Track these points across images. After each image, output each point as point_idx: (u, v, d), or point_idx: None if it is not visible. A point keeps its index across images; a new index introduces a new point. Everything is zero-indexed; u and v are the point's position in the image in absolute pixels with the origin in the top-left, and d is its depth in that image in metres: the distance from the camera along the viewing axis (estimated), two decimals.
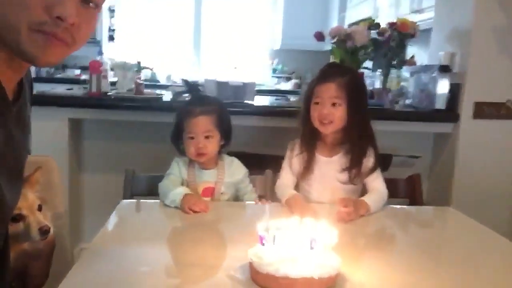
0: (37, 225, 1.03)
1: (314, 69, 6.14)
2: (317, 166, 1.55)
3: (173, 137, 1.56)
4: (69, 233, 1.40)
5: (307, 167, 1.54)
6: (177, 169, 1.52)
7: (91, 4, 0.77)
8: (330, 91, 1.48)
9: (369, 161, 1.53)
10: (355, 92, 1.51)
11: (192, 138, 1.47)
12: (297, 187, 1.58)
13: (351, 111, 1.49)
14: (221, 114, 1.53)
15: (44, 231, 1.03)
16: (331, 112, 1.47)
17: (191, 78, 4.94)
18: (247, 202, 1.53)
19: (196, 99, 1.61)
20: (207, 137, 1.47)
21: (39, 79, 4.27)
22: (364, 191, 1.55)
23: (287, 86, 5.35)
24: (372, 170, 1.52)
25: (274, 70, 5.64)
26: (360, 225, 1.33)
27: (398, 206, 1.58)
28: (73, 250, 2.27)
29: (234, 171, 1.56)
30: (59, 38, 0.73)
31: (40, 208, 1.07)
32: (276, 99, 3.64)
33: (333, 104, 1.48)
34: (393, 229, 1.45)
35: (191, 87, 1.62)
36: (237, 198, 1.59)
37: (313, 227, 0.86)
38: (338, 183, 1.53)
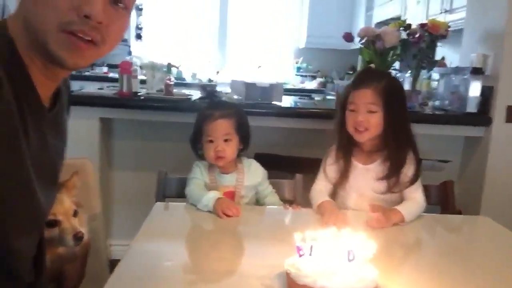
0: (72, 231, 1.05)
1: (339, 68, 6.11)
2: (353, 174, 1.52)
3: (192, 141, 1.57)
4: (104, 234, 1.43)
5: (343, 175, 1.51)
6: (200, 173, 1.53)
7: (120, 4, 0.77)
8: (366, 98, 1.44)
9: (409, 170, 1.48)
10: (392, 97, 1.46)
11: (211, 141, 1.49)
12: (334, 194, 1.55)
13: (388, 117, 1.44)
14: (239, 118, 1.54)
15: (78, 238, 1.05)
16: (367, 119, 1.44)
17: (215, 77, 4.99)
18: (276, 208, 1.53)
19: (214, 103, 1.62)
20: (226, 140, 1.49)
21: (69, 77, 4.35)
22: (402, 200, 1.50)
23: (312, 85, 5.33)
24: (413, 180, 1.47)
25: (299, 69, 5.62)
26: (393, 234, 1.31)
27: (433, 215, 1.55)
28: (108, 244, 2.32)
29: (253, 173, 1.57)
30: (87, 36, 0.74)
31: (75, 214, 1.10)
32: (300, 98, 3.65)
33: (369, 111, 1.44)
34: (427, 239, 1.43)
35: (208, 93, 1.64)
36: (257, 201, 1.60)
37: (350, 238, 0.86)
38: (375, 191, 1.49)
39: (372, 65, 1.63)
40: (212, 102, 1.64)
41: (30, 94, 0.79)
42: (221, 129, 1.49)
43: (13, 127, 0.75)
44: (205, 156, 1.52)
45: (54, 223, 1.04)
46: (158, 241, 1.19)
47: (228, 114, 1.51)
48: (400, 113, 1.49)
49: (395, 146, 1.47)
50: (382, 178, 1.48)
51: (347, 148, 1.52)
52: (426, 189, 1.55)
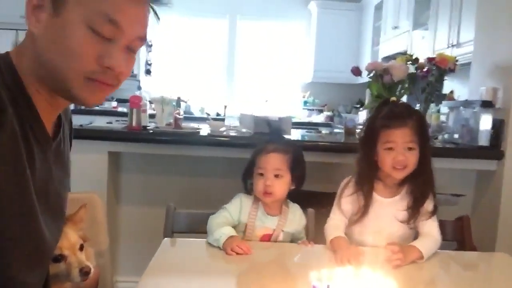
0: (78, 265, 1.02)
1: (346, 102, 6.14)
2: (374, 207, 1.48)
3: (244, 174, 1.53)
4: (111, 270, 1.39)
5: (364, 209, 1.47)
6: (238, 207, 1.47)
7: (132, 52, 0.84)
8: (405, 136, 1.42)
9: (429, 204, 1.47)
10: (424, 132, 1.47)
11: (261, 174, 1.45)
12: (349, 229, 1.51)
13: (422, 153, 1.44)
14: (295, 156, 1.50)
15: (84, 272, 1.02)
16: (406, 157, 1.41)
17: (222, 111, 5.01)
18: (288, 244, 1.49)
19: (274, 138, 1.60)
20: (276, 176, 1.44)
21: (78, 111, 4.41)
22: (417, 236, 1.48)
23: (319, 118, 5.35)
24: (432, 213, 1.46)
25: (306, 103, 5.66)
26: (410, 272, 1.26)
27: (450, 252, 1.51)
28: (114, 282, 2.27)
29: (297, 221, 1.52)
30: (107, 84, 0.82)
31: (82, 248, 1.07)
32: (307, 132, 3.64)
33: (408, 149, 1.42)
34: (444, 277, 1.38)
35: (274, 128, 1.62)
36: None
37: (369, 277, 0.83)
38: (394, 226, 1.47)
39: (393, 98, 1.61)
40: (272, 137, 1.61)
41: (34, 122, 0.81)
42: (273, 162, 1.45)
43: (17, 152, 0.75)
44: (254, 190, 1.47)
45: (60, 258, 1.01)
46: (166, 278, 1.16)
47: (283, 150, 1.48)
48: (428, 147, 1.49)
49: (420, 180, 1.46)
50: (407, 210, 1.46)
51: (369, 181, 1.49)
52: (442, 224, 1.51)
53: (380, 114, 1.49)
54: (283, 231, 1.48)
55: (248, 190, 1.51)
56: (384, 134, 1.44)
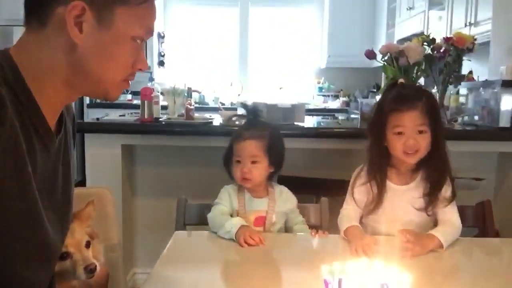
0: (84, 263, 1.02)
1: (362, 86, 6.04)
2: (388, 196, 1.42)
3: (225, 161, 1.54)
4: (122, 264, 1.39)
5: (378, 197, 1.41)
6: (227, 198, 1.48)
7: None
8: (415, 120, 1.36)
9: (446, 190, 1.41)
10: (436, 114, 1.40)
11: (238, 162, 1.46)
12: (363, 218, 1.47)
13: (435, 136, 1.38)
14: (272, 140, 1.49)
15: (89, 270, 1.01)
16: (418, 141, 1.35)
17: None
18: (302, 234, 1.47)
19: (249, 123, 1.58)
20: (253, 162, 1.45)
21: (94, 105, 4.44)
22: (436, 223, 1.42)
23: (335, 104, 5.27)
24: (450, 200, 1.40)
25: (321, 89, 5.58)
26: (430, 261, 1.21)
27: (471, 238, 1.46)
28: (127, 275, 2.28)
29: (285, 200, 1.52)
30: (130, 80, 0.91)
31: (88, 245, 1.06)
32: (323, 118, 3.59)
33: (419, 132, 1.36)
34: (466, 264, 1.33)
35: (251, 111, 1.60)
36: (286, 228, 1.54)
37: (384, 270, 0.79)
38: (411, 214, 1.41)
39: (401, 80, 1.54)
40: (247, 121, 1.59)
41: (36, 118, 0.80)
42: (249, 150, 1.45)
43: (18, 149, 0.75)
44: (234, 176, 1.48)
45: (66, 255, 1.01)
46: (177, 270, 1.15)
47: (258, 135, 1.47)
48: (441, 130, 1.42)
49: (436, 164, 1.40)
50: (423, 197, 1.40)
51: (382, 169, 1.43)
52: (462, 210, 1.46)
53: (388, 97, 1.43)
54: (276, 211, 1.48)
55: (232, 176, 1.51)
56: (393, 117, 1.38)
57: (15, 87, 0.77)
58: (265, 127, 1.54)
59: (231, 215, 1.45)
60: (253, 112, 1.59)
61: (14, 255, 0.78)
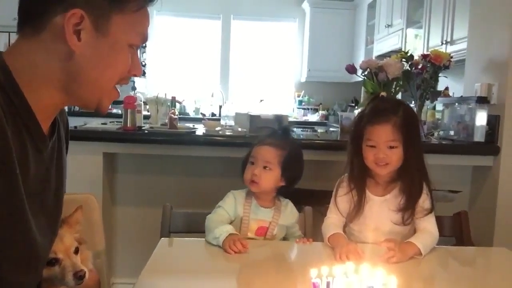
0: (73, 269, 0.99)
1: (341, 101, 6.13)
2: (368, 206, 1.46)
3: (243, 163, 1.55)
4: (107, 271, 1.38)
5: (358, 207, 1.45)
6: (232, 203, 1.48)
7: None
8: (386, 135, 1.38)
9: (425, 201, 1.44)
10: (411, 129, 1.41)
11: (252, 163, 1.49)
12: (346, 227, 1.50)
13: (407, 150, 1.40)
14: (290, 155, 1.50)
15: (79, 276, 0.99)
16: (388, 155, 1.38)
17: (217, 111, 4.99)
18: (286, 242, 1.49)
19: (275, 134, 1.60)
20: (265, 167, 1.46)
21: (72, 113, 4.38)
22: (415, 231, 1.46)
23: (314, 117, 5.35)
24: (429, 211, 1.43)
25: (300, 102, 5.66)
26: (408, 268, 1.25)
27: (448, 247, 1.50)
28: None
29: (289, 214, 1.53)
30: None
31: (77, 251, 1.04)
32: (302, 131, 3.64)
33: (390, 147, 1.38)
34: (443, 272, 1.37)
35: (283, 128, 1.62)
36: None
37: (370, 273, 0.82)
38: (391, 223, 1.44)
39: (383, 93, 1.58)
40: (274, 132, 1.62)
41: (29, 122, 0.80)
42: (264, 154, 1.48)
43: (6, 152, 0.73)
44: (244, 177, 1.50)
45: (55, 261, 0.99)
46: (164, 278, 1.15)
47: (278, 145, 1.50)
48: (417, 144, 1.45)
49: (412, 177, 1.43)
50: (400, 209, 1.42)
51: (361, 179, 1.46)
52: (440, 220, 1.50)
53: (367, 110, 1.47)
54: (278, 224, 1.49)
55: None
56: (367, 130, 1.42)
57: (8, 90, 0.76)
58: (289, 142, 1.57)
59: (231, 222, 1.45)
60: (285, 129, 1.62)
61: (0, 259, 0.77)
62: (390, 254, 1.25)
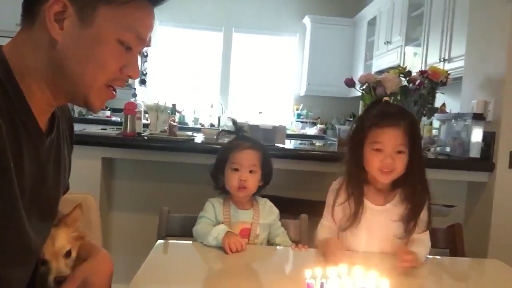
0: (55, 273, 0.97)
1: (340, 115, 6.16)
2: (366, 215, 1.39)
3: (214, 171, 1.57)
4: None
5: (355, 216, 1.38)
6: (212, 210, 1.50)
7: (139, 55, 0.89)
8: (396, 138, 1.32)
9: (424, 213, 1.39)
10: (416, 136, 1.37)
11: (236, 170, 1.49)
12: (340, 234, 1.46)
13: (412, 158, 1.35)
14: (264, 154, 1.56)
15: (58, 282, 0.96)
16: (394, 161, 1.32)
17: (216, 122, 5.03)
18: (282, 247, 1.49)
19: (242, 137, 1.63)
20: (251, 171, 1.49)
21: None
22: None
23: (312, 131, 5.38)
24: (428, 225, 1.39)
25: (299, 115, 5.69)
26: (402, 278, 1.25)
27: (442, 258, 1.50)
28: None
29: (268, 212, 1.56)
30: (115, 89, 0.86)
31: (68, 254, 1.02)
32: (300, 144, 3.66)
33: (397, 152, 1.33)
34: (437, 283, 1.37)
35: (239, 127, 1.65)
36: (268, 239, 1.57)
37: (363, 276, 0.83)
38: (391, 234, 1.38)
39: (386, 98, 1.57)
40: (240, 135, 1.64)
41: (26, 117, 0.79)
42: (249, 158, 1.50)
43: (0, 146, 0.72)
44: (227, 186, 1.51)
45: (42, 262, 0.97)
46: (159, 281, 1.15)
47: (256, 147, 1.54)
48: (420, 152, 1.41)
49: (414, 185, 1.38)
50: (402, 220, 1.37)
51: (359, 185, 1.40)
52: (434, 232, 1.51)
53: (371, 113, 1.40)
54: (260, 223, 1.51)
55: (218, 186, 1.56)
56: (373, 133, 1.35)
57: (5, 84, 0.76)
58: (256, 141, 1.61)
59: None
60: (241, 128, 1.64)
61: None
62: (408, 257, 1.24)
